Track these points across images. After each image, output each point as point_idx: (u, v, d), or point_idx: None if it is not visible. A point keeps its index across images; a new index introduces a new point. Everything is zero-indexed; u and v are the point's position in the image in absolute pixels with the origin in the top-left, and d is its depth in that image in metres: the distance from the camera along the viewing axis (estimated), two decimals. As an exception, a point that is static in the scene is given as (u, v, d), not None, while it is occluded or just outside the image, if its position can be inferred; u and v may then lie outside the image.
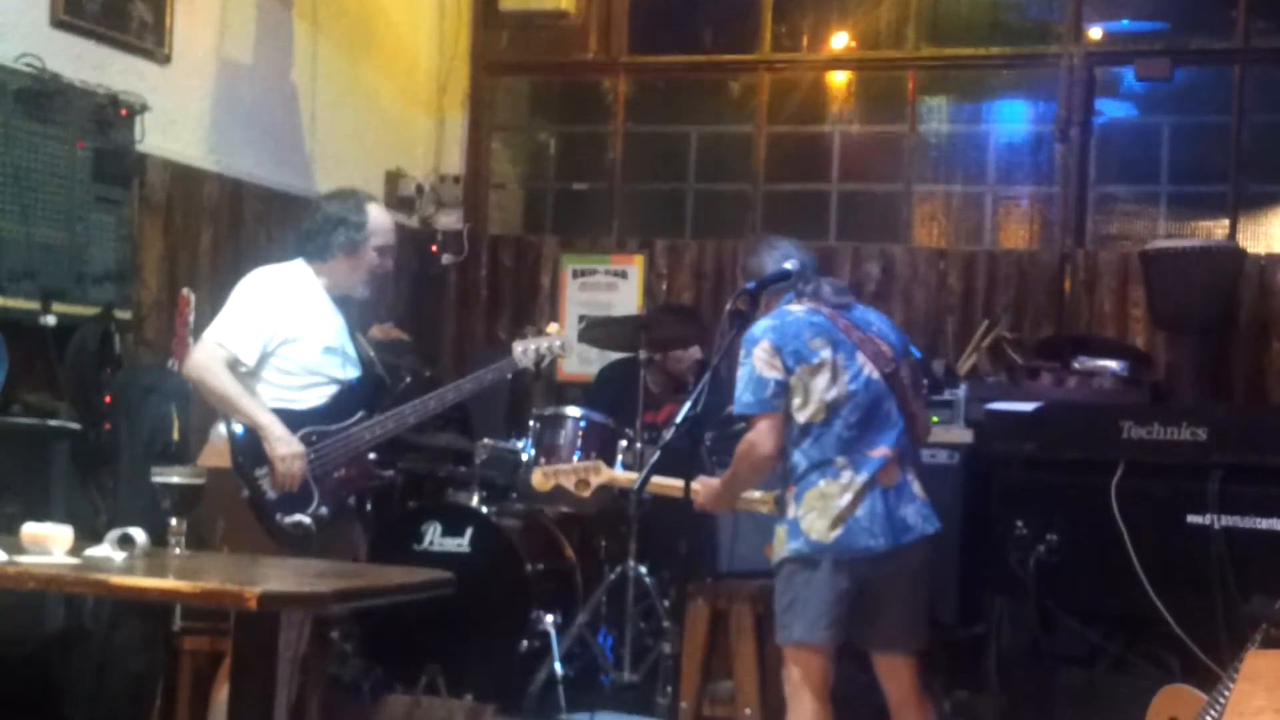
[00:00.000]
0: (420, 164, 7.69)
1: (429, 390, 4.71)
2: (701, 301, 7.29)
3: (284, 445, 4.23)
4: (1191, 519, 4.87)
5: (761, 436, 4.02)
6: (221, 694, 4.14)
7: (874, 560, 3.98)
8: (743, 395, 4.03)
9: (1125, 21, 7.18)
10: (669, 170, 7.80)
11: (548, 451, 5.62)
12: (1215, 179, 6.92)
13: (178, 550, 3.49)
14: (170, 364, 5.39)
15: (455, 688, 5.44)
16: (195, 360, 4.33)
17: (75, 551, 3.30)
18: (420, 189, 7.59)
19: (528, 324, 6.56)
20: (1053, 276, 6.87)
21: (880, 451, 4.03)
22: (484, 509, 5.73)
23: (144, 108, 5.48)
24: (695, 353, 6.29)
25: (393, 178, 7.47)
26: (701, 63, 7.78)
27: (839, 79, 7.68)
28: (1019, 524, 5.19)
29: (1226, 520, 4.81)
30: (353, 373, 4.49)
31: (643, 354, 5.79)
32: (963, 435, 5.60)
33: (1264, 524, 4.78)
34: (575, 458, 5.43)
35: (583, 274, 7.55)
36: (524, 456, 5.68)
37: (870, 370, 4.07)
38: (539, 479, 4.67)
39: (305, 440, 4.29)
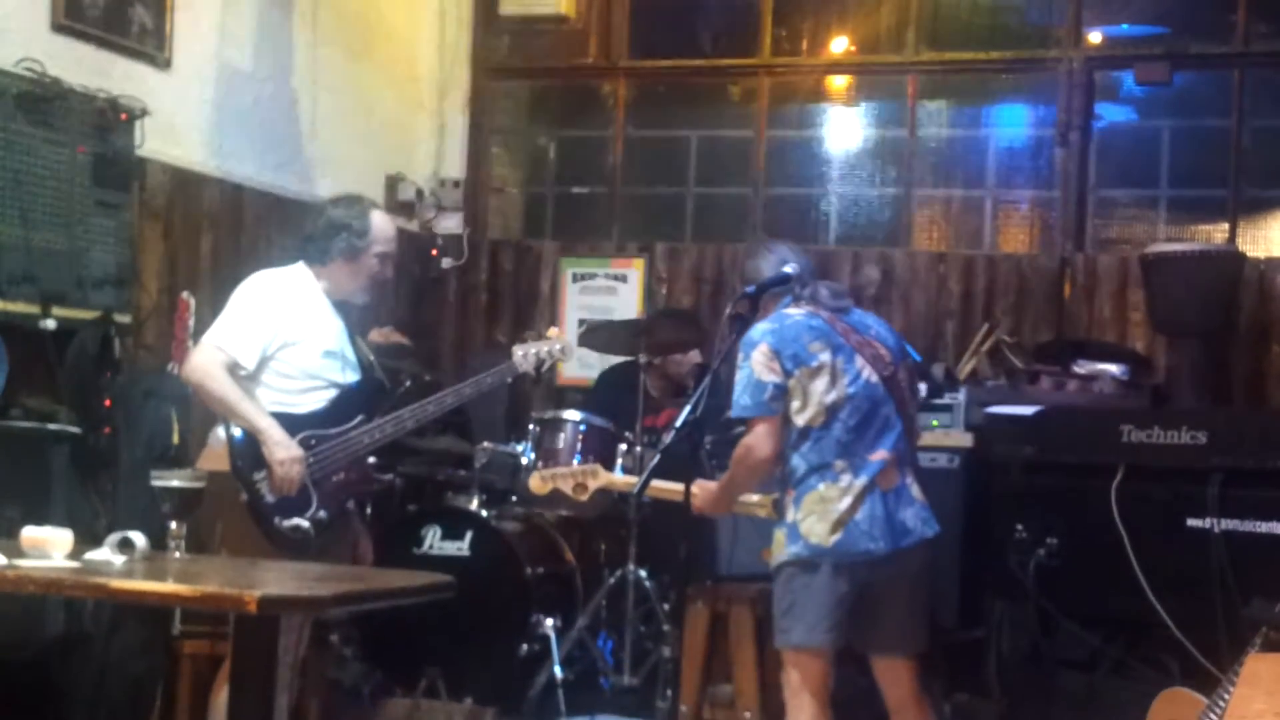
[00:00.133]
0: (420, 168, 7.70)
1: (428, 394, 4.71)
2: (701, 305, 7.29)
3: (283, 449, 4.23)
4: (1191, 522, 4.87)
5: (759, 440, 4.02)
6: (221, 697, 4.14)
7: (873, 564, 3.98)
8: (740, 398, 4.03)
9: (1125, 26, 7.18)
10: (669, 174, 7.80)
11: (547, 455, 5.62)
12: (1215, 183, 6.93)
13: (177, 554, 3.50)
14: (170, 368, 5.40)
15: (455, 691, 5.45)
16: (194, 364, 4.33)
17: (75, 555, 3.29)
18: (420, 193, 7.60)
19: (527, 328, 6.59)
20: (1052, 280, 6.87)
21: (879, 455, 4.02)
22: (484, 513, 5.73)
23: (144, 112, 5.48)
24: (695, 357, 6.29)
25: (393, 182, 7.48)
26: (701, 67, 7.79)
27: (839, 83, 7.68)
28: (1019, 527, 5.20)
29: (1226, 524, 4.81)
30: (352, 377, 4.49)
31: (642, 358, 5.80)
32: (962, 439, 5.60)
33: (1264, 527, 4.78)
34: (575, 461, 5.43)
35: (583, 278, 7.55)
36: (524, 460, 5.68)
37: (869, 373, 4.07)
38: (536, 483, 4.67)
39: (304, 444, 4.29)
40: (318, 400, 4.39)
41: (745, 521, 4.72)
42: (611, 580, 5.63)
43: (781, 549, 4.04)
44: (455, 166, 7.82)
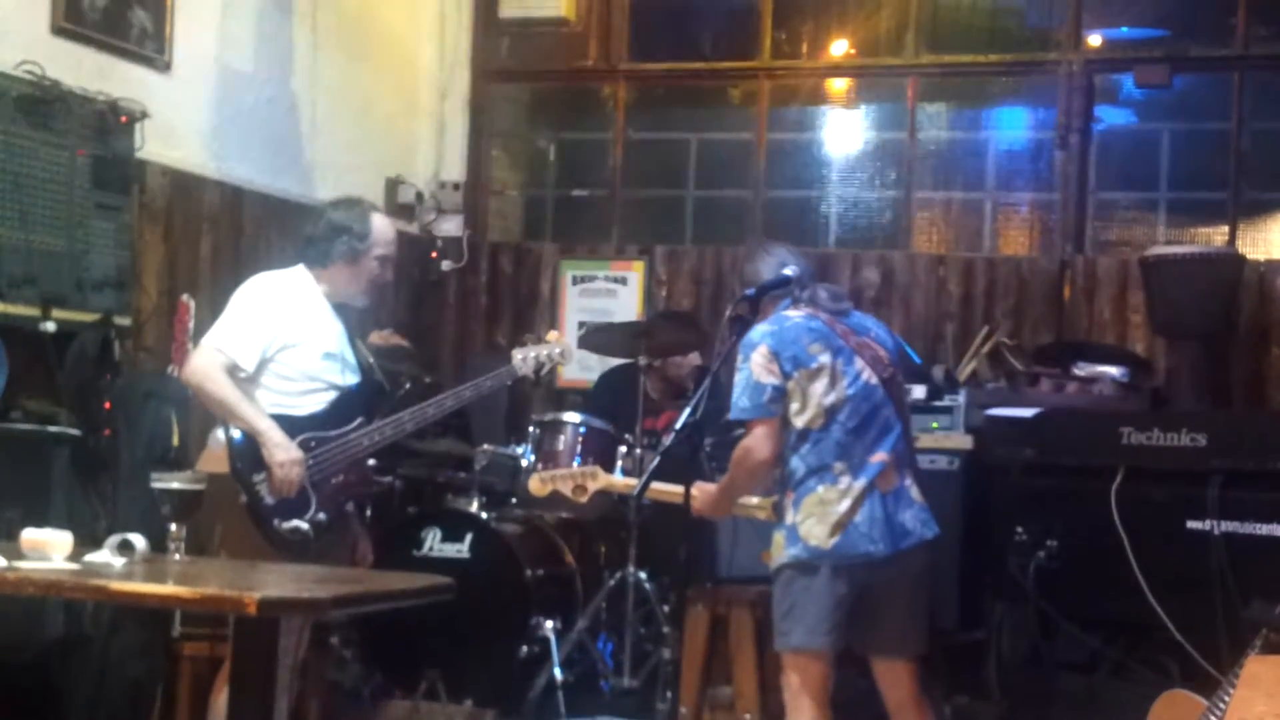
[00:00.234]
0: (420, 170, 7.70)
1: (428, 397, 4.71)
2: (701, 308, 7.29)
3: (282, 451, 4.23)
4: (1191, 524, 4.87)
5: (758, 442, 4.02)
6: (221, 699, 4.14)
7: (873, 566, 3.97)
8: (739, 400, 4.03)
9: (1124, 28, 7.18)
10: (669, 177, 7.81)
11: (547, 457, 5.62)
12: (1215, 185, 6.93)
13: (177, 556, 3.50)
14: (170, 370, 5.40)
15: (455, 693, 5.45)
16: (194, 366, 4.33)
17: (75, 557, 3.30)
18: (420, 195, 7.60)
19: (527, 330, 6.59)
20: (1052, 283, 6.87)
21: (879, 457, 4.02)
22: (484, 515, 5.73)
23: (144, 115, 5.48)
24: (695, 359, 6.29)
25: (393, 184, 7.48)
26: (701, 70, 7.79)
27: (839, 85, 7.69)
28: (1019, 530, 5.20)
29: (1226, 526, 4.81)
30: (352, 379, 4.49)
31: (642, 360, 5.80)
32: (962, 441, 5.60)
33: (1264, 529, 4.78)
34: (575, 464, 5.43)
35: (582, 280, 7.55)
36: (524, 462, 5.69)
37: (869, 375, 4.07)
38: (536, 484, 4.67)
39: (304, 446, 4.29)
40: (317, 402, 4.39)
41: (745, 524, 4.72)
42: (611, 582, 5.63)
43: (781, 551, 4.04)
44: (455, 169, 7.82)
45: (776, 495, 4.13)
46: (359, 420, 4.44)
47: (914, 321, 6.99)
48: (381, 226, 4.54)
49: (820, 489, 3.99)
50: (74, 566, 3.24)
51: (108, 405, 5.12)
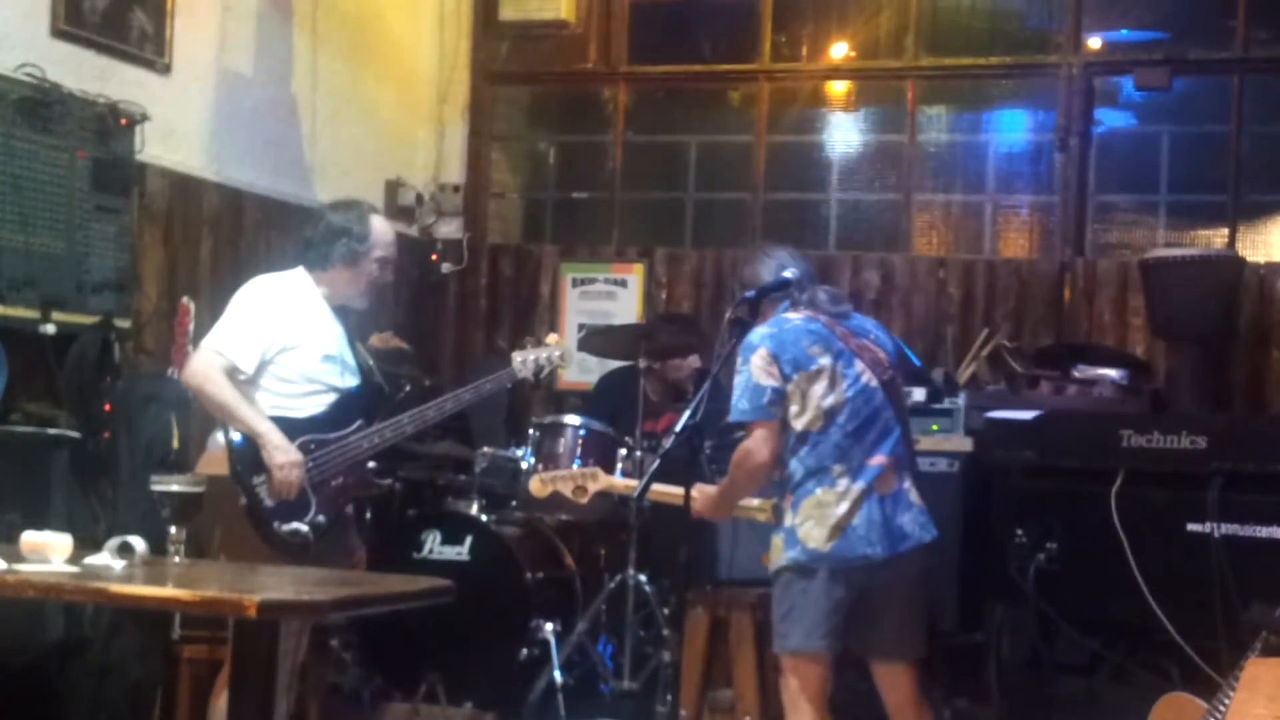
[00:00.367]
0: (420, 173, 7.70)
1: (428, 399, 4.71)
2: (701, 310, 7.30)
3: (282, 453, 4.23)
4: (1191, 527, 4.87)
5: (757, 444, 4.02)
6: (220, 702, 4.14)
7: (871, 569, 3.97)
8: (739, 402, 4.03)
9: (1124, 31, 7.19)
10: (669, 179, 7.81)
11: (547, 460, 5.62)
12: (1214, 188, 6.93)
13: (177, 558, 3.50)
14: (170, 372, 5.40)
15: (455, 696, 5.45)
16: (194, 368, 4.33)
17: (74, 560, 3.30)
18: (420, 198, 7.60)
19: (527, 333, 6.59)
20: (1052, 285, 6.87)
21: (877, 459, 4.02)
22: (484, 517, 5.73)
23: (144, 117, 5.48)
24: (694, 361, 6.28)
25: (393, 187, 7.48)
26: (701, 72, 7.79)
27: (838, 88, 7.69)
28: (1019, 532, 5.19)
29: (1226, 528, 4.80)
30: (351, 381, 4.49)
31: (642, 363, 5.80)
32: (962, 444, 5.59)
33: (1264, 532, 4.77)
34: (575, 466, 5.43)
35: (582, 283, 7.56)
36: (524, 465, 5.69)
37: (868, 378, 4.07)
38: (536, 485, 4.68)
39: (303, 448, 4.29)
40: (317, 405, 4.39)
41: (745, 526, 4.73)
42: (611, 585, 5.63)
43: (779, 554, 4.04)
44: (455, 171, 7.82)
45: (776, 497, 4.13)
46: (359, 423, 4.44)
47: (914, 324, 7.00)
48: (380, 228, 4.54)
49: (818, 491, 3.99)
50: (74, 569, 3.25)
51: (108, 408, 5.12)
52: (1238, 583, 4.68)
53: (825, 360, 4.02)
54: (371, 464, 4.50)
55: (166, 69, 5.82)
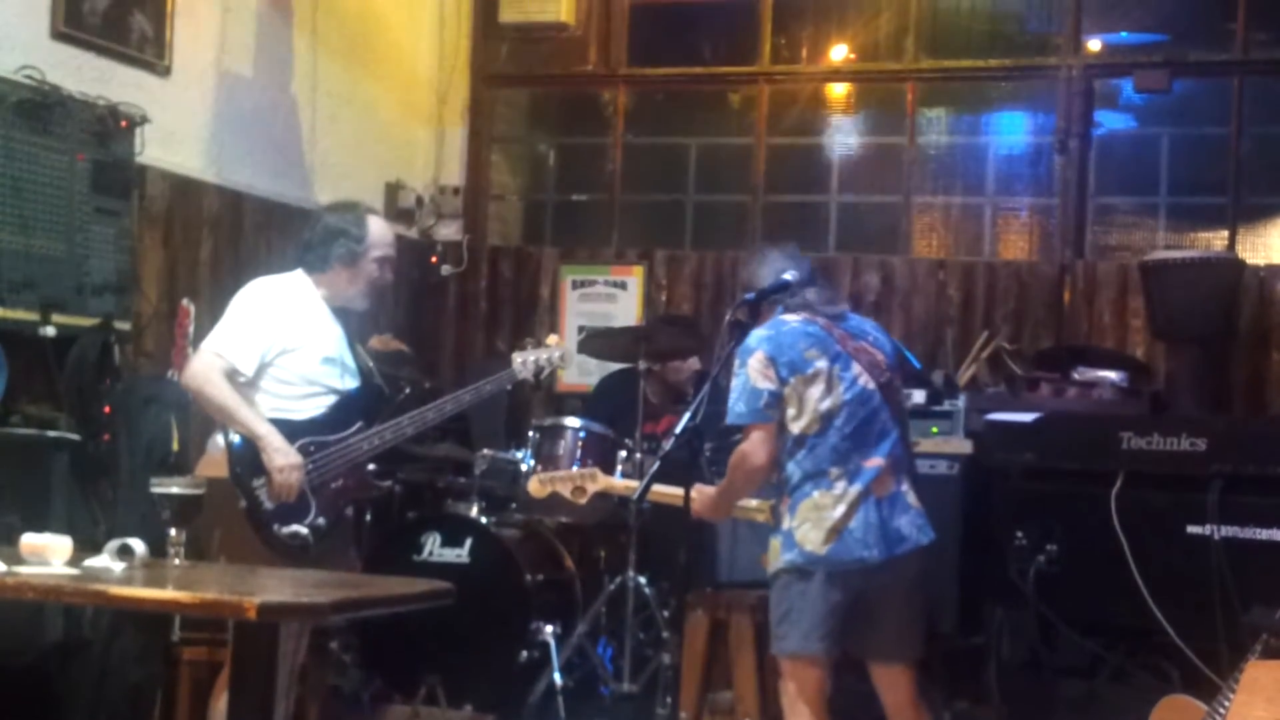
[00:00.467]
0: (420, 175, 7.71)
1: (428, 401, 4.71)
2: (701, 312, 7.30)
3: (282, 456, 4.22)
4: (1191, 529, 4.87)
5: (754, 447, 4.02)
6: (220, 704, 4.14)
7: (868, 571, 3.97)
8: (736, 405, 4.03)
9: (1124, 33, 7.19)
10: (668, 181, 7.81)
11: (547, 462, 5.63)
12: (1214, 190, 6.93)
13: (177, 560, 3.50)
14: (170, 375, 5.40)
15: (455, 698, 5.44)
16: (193, 370, 4.33)
17: (74, 562, 3.30)
18: (420, 200, 7.60)
19: (527, 335, 6.57)
20: (1052, 287, 6.87)
21: (874, 462, 4.02)
22: (483, 519, 5.73)
23: (144, 119, 5.49)
24: (694, 363, 6.29)
25: (392, 189, 7.48)
26: (701, 75, 7.80)
27: (838, 90, 7.69)
28: (1019, 534, 5.19)
29: (1226, 530, 4.80)
30: (351, 383, 4.49)
31: (642, 365, 5.80)
32: (962, 446, 5.59)
33: (1264, 534, 4.77)
34: (574, 468, 5.42)
35: (582, 285, 7.56)
36: (523, 467, 5.69)
37: (866, 380, 4.07)
38: (535, 486, 4.68)
39: (303, 451, 4.29)
40: (317, 407, 4.39)
41: (745, 528, 4.73)
42: (611, 587, 5.63)
43: (777, 556, 4.04)
44: (455, 174, 7.83)
45: (774, 500, 4.13)
46: (358, 425, 4.44)
47: (914, 326, 7.00)
48: (379, 228, 4.54)
49: (816, 494, 3.99)
50: (73, 571, 3.24)
51: (107, 410, 5.12)
52: (1238, 585, 4.68)
53: (822, 363, 4.02)
54: (371, 466, 4.50)
55: (166, 71, 5.82)
